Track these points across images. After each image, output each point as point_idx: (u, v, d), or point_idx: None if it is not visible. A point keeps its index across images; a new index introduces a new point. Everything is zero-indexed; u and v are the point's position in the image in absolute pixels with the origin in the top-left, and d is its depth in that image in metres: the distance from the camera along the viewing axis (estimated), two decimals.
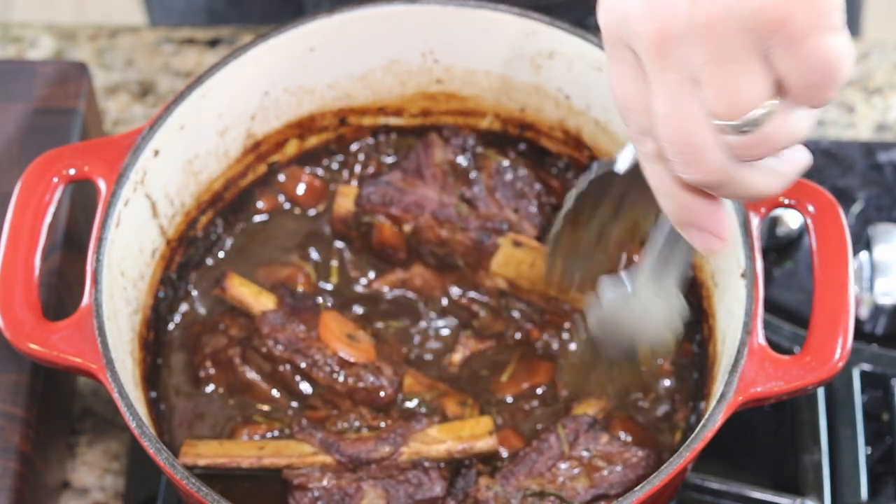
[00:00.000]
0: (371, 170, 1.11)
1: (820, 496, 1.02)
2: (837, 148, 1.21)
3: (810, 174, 1.19)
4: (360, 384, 1.00)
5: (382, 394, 1.00)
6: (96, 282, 0.95)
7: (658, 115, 0.76)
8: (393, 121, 1.11)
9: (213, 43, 1.28)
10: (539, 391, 1.03)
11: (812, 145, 1.21)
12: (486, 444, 0.98)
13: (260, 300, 1.03)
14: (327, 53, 1.06)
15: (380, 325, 1.05)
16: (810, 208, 0.96)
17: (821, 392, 1.06)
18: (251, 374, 1.02)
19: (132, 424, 0.90)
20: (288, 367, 1.01)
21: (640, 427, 1.01)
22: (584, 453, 0.98)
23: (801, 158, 0.79)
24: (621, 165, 0.87)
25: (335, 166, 1.11)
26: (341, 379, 1.00)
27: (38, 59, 1.26)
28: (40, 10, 2.58)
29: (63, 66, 1.16)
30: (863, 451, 1.04)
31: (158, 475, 1.03)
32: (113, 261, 0.97)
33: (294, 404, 1.02)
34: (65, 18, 2.54)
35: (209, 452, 0.98)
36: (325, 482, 0.95)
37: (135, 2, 1.50)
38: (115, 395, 0.91)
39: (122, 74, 1.26)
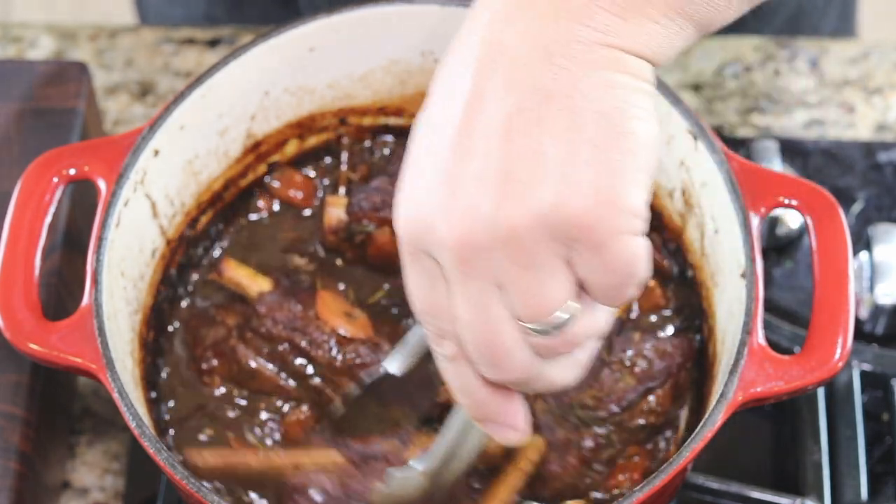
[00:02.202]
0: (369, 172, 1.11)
1: (820, 496, 1.02)
2: (837, 148, 1.21)
3: (810, 174, 1.19)
4: (359, 360, 1.00)
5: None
6: (96, 282, 0.95)
7: (461, 321, 0.76)
8: (393, 121, 1.11)
9: (213, 43, 1.28)
10: None
11: (812, 145, 1.21)
12: (495, 445, 0.97)
13: (256, 282, 1.03)
14: (327, 53, 1.06)
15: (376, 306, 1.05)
16: (810, 208, 0.96)
17: (821, 392, 1.06)
18: (254, 363, 1.02)
19: (132, 424, 0.90)
20: (287, 345, 1.01)
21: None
22: (623, 355, 0.99)
23: (593, 346, 0.80)
24: (396, 368, 0.94)
25: (331, 171, 1.11)
26: (340, 356, 1.00)
27: (38, 59, 1.26)
28: (40, 10, 2.58)
29: (63, 66, 1.16)
30: (863, 451, 1.04)
31: (158, 475, 1.03)
32: (113, 261, 0.97)
33: (292, 383, 1.01)
34: (65, 18, 2.54)
35: (216, 454, 0.98)
36: (326, 482, 0.95)
37: (133, 6, 1.51)
38: (115, 395, 0.91)
39: (122, 74, 1.26)
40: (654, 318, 1.03)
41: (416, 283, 0.78)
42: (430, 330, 0.79)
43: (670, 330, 1.03)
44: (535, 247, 0.74)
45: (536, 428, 0.96)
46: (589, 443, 0.98)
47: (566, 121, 0.73)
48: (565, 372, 0.80)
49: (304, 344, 1.01)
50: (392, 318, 1.04)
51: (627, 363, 1.00)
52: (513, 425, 0.82)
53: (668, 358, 1.00)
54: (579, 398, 0.98)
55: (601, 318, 0.78)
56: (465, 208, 0.74)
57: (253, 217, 1.10)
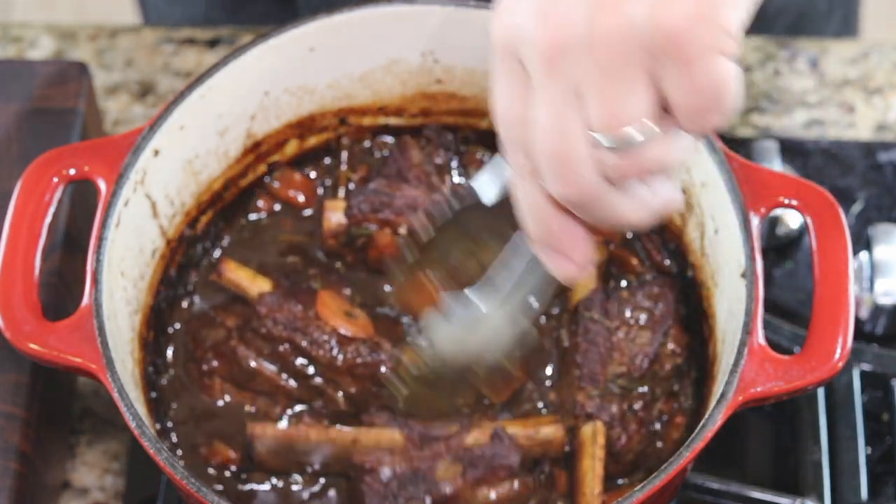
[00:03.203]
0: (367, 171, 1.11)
1: (820, 496, 1.02)
2: (837, 148, 1.21)
3: (810, 174, 1.19)
4: (360, 359, 1.00)
5: (383, 368, 1.00)
6: (96, 282, 0.95)
7: (537, 126, 0.76)
8: (393, 121, 1.11)
9: (213, 43, 1.28)
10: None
11: (812, 145, 1.21)
12: (551, 430, 0.98)
13: (256, 283, 1.03)
14: (327, 53, 1.06)
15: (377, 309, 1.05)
16: (810, 208, 0.96)
17: (821, 392, 1.06)
18: (254, 363, 1.02)
19: (132, 424, 0.90)
20: (287, 346, 1.01)
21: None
22: (624, 317, 1.01)
23: (673, 196, 0.79)
24: (488, 198, 0.86)
25: (331, 171, 1.11)
26: (341, 356, 1.00)
27: (38, 59, 1.26)
28: (40, 10, 2.58)
29: (63, 66, 1.16)
30: (863, 451, 1.04)
31: (158, 475, 1.03)
32: (113, 261, 0.97)
33: (293, 383, 1.01)
34: (65, 18, 2.54)
35: (275, 427, 0.99)
36: (395, 463, 0.96)
37: (135, 2, 1.51)
38: (115, 395, 0.91)
39: (122, 74, 1.26)
40: (633, 283, 1.05)
41: (502, 90, 0.78)
42: (507, 139, 0.78)
43: (649, 277, 1.05)
44: (622, 55, 0.73)
45: (589, 416, 0.98)
46: (638, 404, 0.99)
47: None
48: (633, 207, 0.78)
49: (304, 344, 1.01)
50: (392, 317, 1.04)
51: (632, 321, 1.01)
52: (573, 255, 0.80)
53: (664, 298, 1.02)
54: (612, 372, 0.99)
55: (676, 148, 0.76)
56: (560, 13, 0.73)
57: (253, 217, 1.10)
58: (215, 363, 1.03)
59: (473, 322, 0.89)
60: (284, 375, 1.02)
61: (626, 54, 0.73)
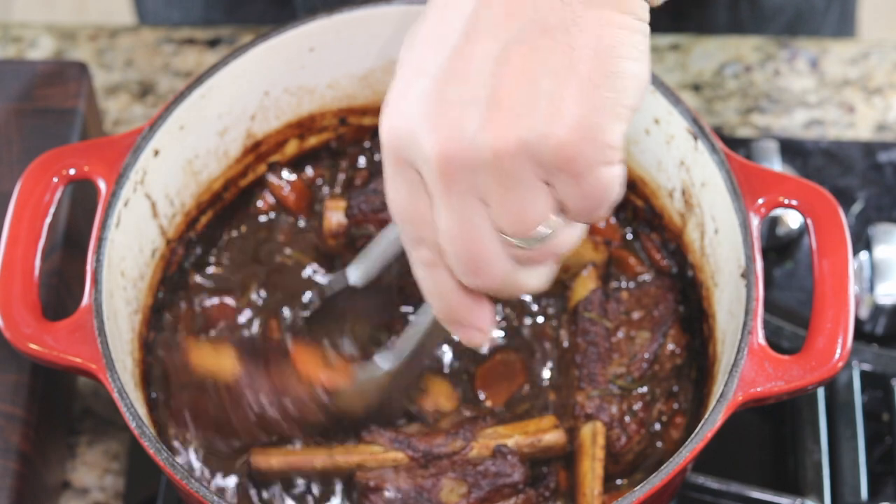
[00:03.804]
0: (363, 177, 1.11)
1: (820, 496, 1.02)
2: (837, 148, 1.21)
3: (810, 174, 1.19)
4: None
5: None
6: (96, 282, 0.95)
7: (443, 231, 0.80)
8: None
9: (213, 43, 1.28)
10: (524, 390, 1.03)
11: (812, 145, 1.21)
12: (553, 437, 0.98)
13: (222, 364, 1.00)
14: (327, 53, 1.06)
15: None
16: (810, 208, 0.96)
17: (821, 392, 1.06)
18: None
19: (132, 424, 0.90)
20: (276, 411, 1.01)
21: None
22: (622, 317, 1.01)
23: (556, 267, 0.84)
24: (356, 280, 0.96)
25: (331, 171, 1.11)
26: (331, 401, 0.99)
27: (38, 59, 1.26)
28: (40, 10, 2.58)
29: (63, 66, 1.16)
30: (863, 451, 1.04)
31: (158, 475, 1.03)
32: (113, 261, 0.97)
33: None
34: (65, 18, 2.54)
35: (280, 456, 0.98)
36: (400, 482, 0.95)
37: (132, 6, 1.51)
38: (115, 395, 0.91)
39: (122, 74, 1.26)
40: (632, 283, 1.05)
41: (397, 191, 0.81)
42: (408, 236, 0.82)
43: (647, 277, 1.05)
44: (518, 170, 0.77)
45: (589, 416, 0.98)
46: (638, 405, 0.99)
47: (561, 55, 0.76)
48: (539, 278, 0.83)
49: (291, 406, 1.00)
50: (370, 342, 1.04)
51: (632, 321, 1.01)
52: (481, 328, 0.85)
53: (664, 298, 1.02)
54: (612, 372, 0.99)
55: (576, 233, 0.82)
56: (452, 126, 0.77)
57: (252, 217, 1.10)
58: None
59: (374, 381, 0.96)
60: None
61: (523, 167, 0.77)
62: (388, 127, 0.80)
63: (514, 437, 0.98)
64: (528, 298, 1.05)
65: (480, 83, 0.77)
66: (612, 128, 0.77)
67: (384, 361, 0.95)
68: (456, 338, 0.88)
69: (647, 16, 0.79)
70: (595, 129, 0.76)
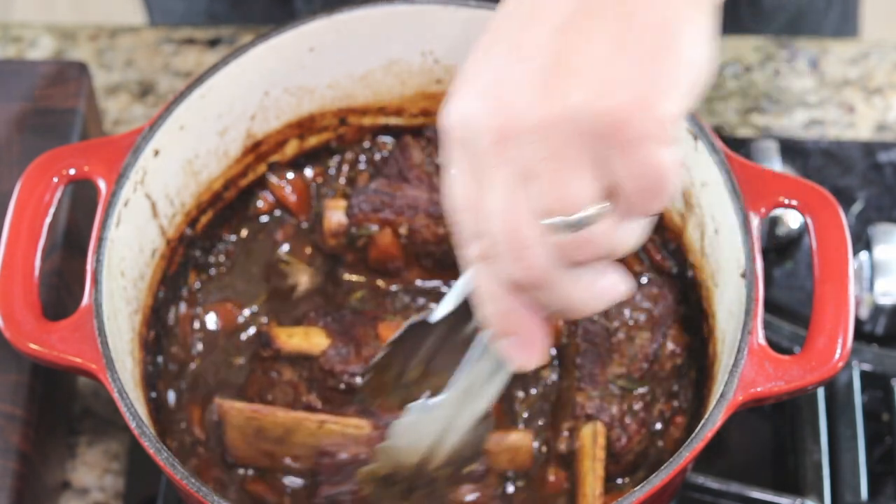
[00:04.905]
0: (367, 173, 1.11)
1: (820, 496, 1.02)
2: (837, 148, 1.21)
3: (810, 174, 1.19)
4: None
5: None
6: (96, 282, 0.95)
7: (489, 210, 0.78)
8: (393, 121, 1.11)
9: (213, 43, 1.28)
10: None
11: (812, 145, 1.21)
12: (518, 437, 0.99)
13: (313, 342, 1.02)
14: (327, 53, 1.06)
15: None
16: (810, 208, 0.96)
17: (821, 392, 1.06)
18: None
19: (132, 424, 0.90)
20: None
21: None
22: (622, 317, 1.01)
23: (621, 286, 0.80)
24: (434, 316, 0.89)
25: (332, 171, 1.11)
26: None
27: (38, 59, 1.26)
28: (40, 10, 2.58)
29: (63, 66, 1.16)
30: (863, 451, 1.04)
31: (158, 475, 1.04)
32: (113, 261, 0.97)
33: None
34: (65, 18, 2.54)
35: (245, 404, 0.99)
36: (359, 453, 0.96)
37: (135, 2, 1.51)
38: (115, 395, 0.91)
39: (122, 74, 1.26)
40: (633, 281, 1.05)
41: (457, 178, 0.79)
42: (464, 228, 0.80)
43: (647, 277, 1.05)
44: (567, 140, 0.75)
45: (589, 417, 0.98)
46: (638, 405, 0.99)
47: (619, 26, 0.75)
48: (583, 294, 0.80)
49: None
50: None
51: (631, 322, 1.02)
52: (531, 343, 0.82)
53: (662, 298, 1.02)
54: (612, 373, 1.00)
55: (625, 233, 0.78)
56: (506, 100, 0.76)
57: (252, 217, 1.10)
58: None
59: (429, 413, 0.91)
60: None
61: (571, 139, 0.75)
62: (451, 114, 0.78)
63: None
64: None
65: (538, 55, 0.75)
66: (667, 104, 0.74)
67: (435, 405, 0.91)
68: (509, 366, 0.85)
69: (713, 7, 0.77)
70: (648, 100, 0.74)
